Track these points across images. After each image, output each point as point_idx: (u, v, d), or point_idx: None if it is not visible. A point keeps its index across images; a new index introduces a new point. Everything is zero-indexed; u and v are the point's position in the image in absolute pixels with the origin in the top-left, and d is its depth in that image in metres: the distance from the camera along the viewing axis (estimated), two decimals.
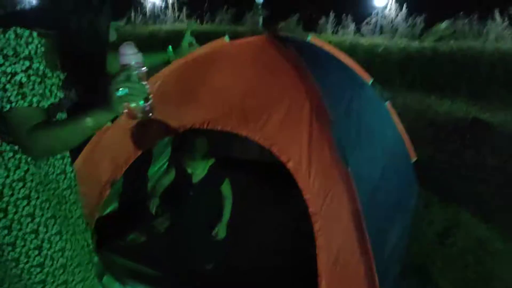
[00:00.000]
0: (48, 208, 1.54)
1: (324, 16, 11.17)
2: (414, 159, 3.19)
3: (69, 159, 1.72)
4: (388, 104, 2.97)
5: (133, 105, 1.27)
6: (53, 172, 1.61)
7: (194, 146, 2.17)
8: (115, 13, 1.42)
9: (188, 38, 2.11)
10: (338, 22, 11.06)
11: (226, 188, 2.33)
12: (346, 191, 1.89)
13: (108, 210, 2.70)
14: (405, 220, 2.56)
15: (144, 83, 1.27)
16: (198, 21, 12.44)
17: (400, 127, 3.08)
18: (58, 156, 1.63)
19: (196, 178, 2.27)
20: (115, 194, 2.72)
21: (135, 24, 12.19)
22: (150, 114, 1.31)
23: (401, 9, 10.50)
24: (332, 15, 10.97)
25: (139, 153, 2.31)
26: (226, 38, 2.42)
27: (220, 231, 2.38)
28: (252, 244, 2.66)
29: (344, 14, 10.88)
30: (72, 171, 1.72)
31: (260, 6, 11.42)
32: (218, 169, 2.30)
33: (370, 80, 2.83)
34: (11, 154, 1.45)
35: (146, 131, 2.32)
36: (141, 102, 1.28)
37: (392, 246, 2.20)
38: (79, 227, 1.75)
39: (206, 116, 2.20)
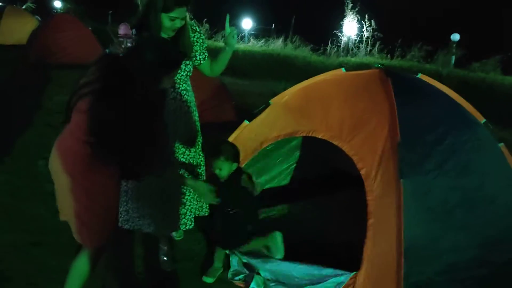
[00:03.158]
0: None
1: None
2: None
3: None
4: (502, 146, 3.02)
5: None
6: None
7: (219, 149, 2.64)
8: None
9: (227, 29, 2.58)
10: None
11: (244, 180, 2.70)
12: (396, 201, 2.30)
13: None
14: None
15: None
16: (389, 56, 12.80)
17: None
18: None
19: (222, 178, 2.64)
20: None
21: (329, 56, 13.32)
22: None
23: None
24: None
25: (264, 146, 3.09)
26: (343, 69, 3.02)
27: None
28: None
29: None
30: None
31: (454, 45, 11.12)
32: (240, 170, 2.72)
33: (482, 120, 2.98)
34: None
35: (270, 132, 3.10)
36: None
37: (447, 264, 2.40)
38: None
39: (313, 127, 2.88)
